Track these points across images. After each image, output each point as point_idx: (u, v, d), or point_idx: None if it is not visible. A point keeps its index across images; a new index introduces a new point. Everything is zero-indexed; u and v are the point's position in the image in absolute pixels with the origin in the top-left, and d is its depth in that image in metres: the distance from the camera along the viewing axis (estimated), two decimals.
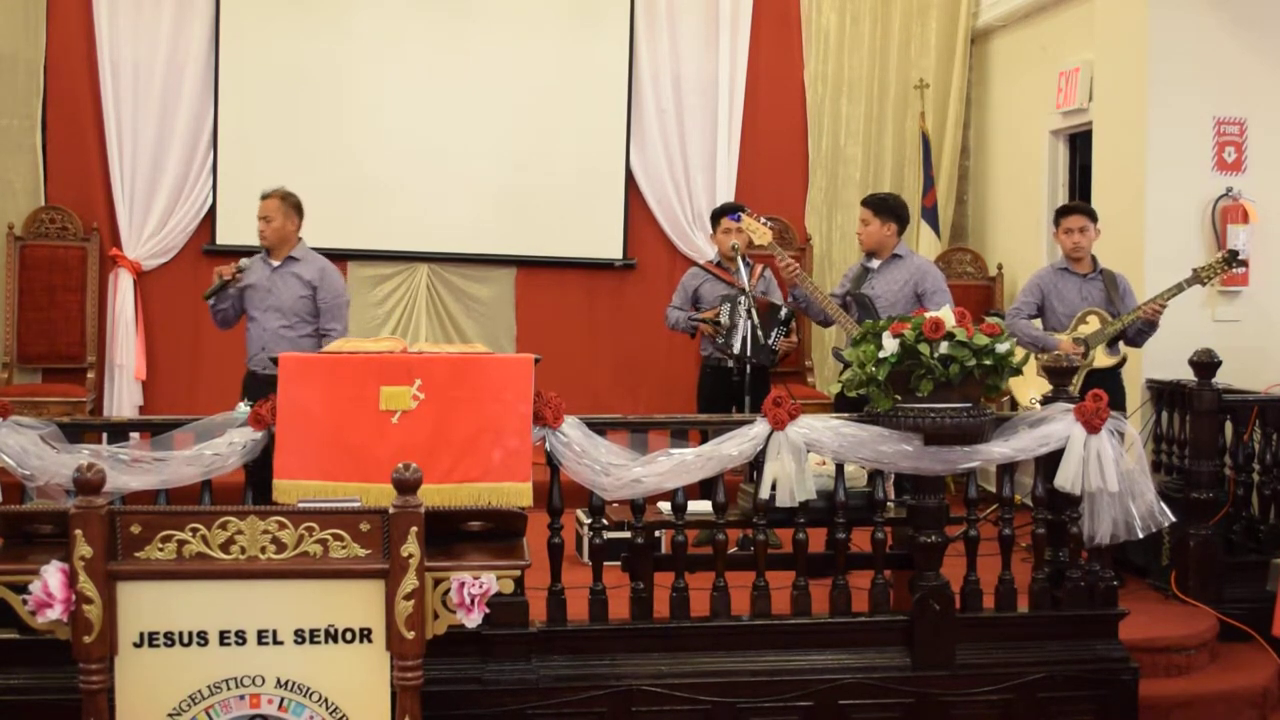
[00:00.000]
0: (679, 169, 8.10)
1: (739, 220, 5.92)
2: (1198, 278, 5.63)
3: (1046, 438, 4.31)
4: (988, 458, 4.29)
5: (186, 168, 7.67)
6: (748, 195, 7.76)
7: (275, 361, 4.08)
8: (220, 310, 5.68)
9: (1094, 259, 5.81)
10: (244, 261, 5.65)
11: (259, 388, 5.08)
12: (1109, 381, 5.57)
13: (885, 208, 5.85)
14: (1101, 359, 5.67)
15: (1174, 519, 4.48)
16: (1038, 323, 5.89)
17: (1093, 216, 5.77)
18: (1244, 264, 5.77)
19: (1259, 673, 5.01)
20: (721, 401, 6.02)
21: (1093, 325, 5.68)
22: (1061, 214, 5.90)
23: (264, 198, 5.66)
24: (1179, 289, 5.58)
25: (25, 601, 2.92)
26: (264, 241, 5.66)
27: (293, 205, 5.68)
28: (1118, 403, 5.56)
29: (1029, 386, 5.84)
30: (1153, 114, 6.11)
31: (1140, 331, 5.65)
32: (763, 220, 5.89)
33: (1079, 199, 7.28)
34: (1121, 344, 5.73)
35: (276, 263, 5.66)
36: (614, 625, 4.22)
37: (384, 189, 7.80)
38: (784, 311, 6.03)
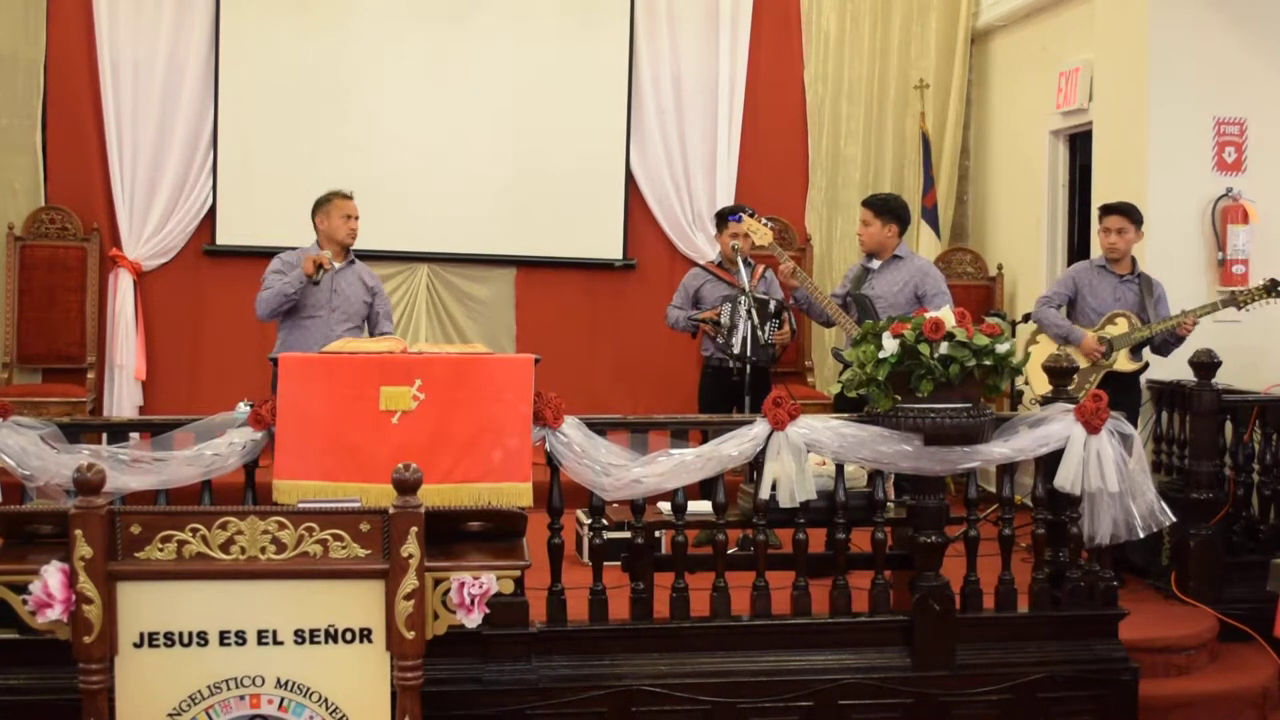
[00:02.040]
0: (679, 169, 8.10)
1: (739, 221, 5.92)
2: (1234, 300, 5.64)
3: (1046, 438, 4.31)
4: (988, 458, 4.29)
5: (186, 168, 7.67)
6: (748, 195, 7.76)
7: (274, 361, 4.08)
8: (293, 299, 5.53)
9: (1133, 261, 5.78)
10: (328, 253, 5.61)
11: None
12: (1127, 386, 5.56)
13: (886, 209, 5.84)
14: (1124, 363, 5.65)
15: (1174, 519, 4.48)
16: (1063, 314, 5.88)
17: (1134, 219, 5.69)
18: None
19: (1259, 673, 5.01)
20: (722, 401, 6.02)
21: (1121, 327, 5.65)
22: (1103, 212, 5.79)
23: (349, 196, 5.68)
24: (1214, 308, 5.58)
25: (25, 601, 2.91)
26: (350, 240, 5.69)
27: None
28: (1134, 408, 5.56)
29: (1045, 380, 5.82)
30: (1153, 114, 6.11)
31: (1166, 342, 5.63)
32: (764, 221, 5.89)
33: (1079, 199, 7.29)
34: (1146, 350, 5.72)
35: (338, 265, 5.67)
36: (614, 625, 4.22)
37: (384, 189, 7.77)
38: (773, 304, 6.02)
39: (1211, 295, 6.07)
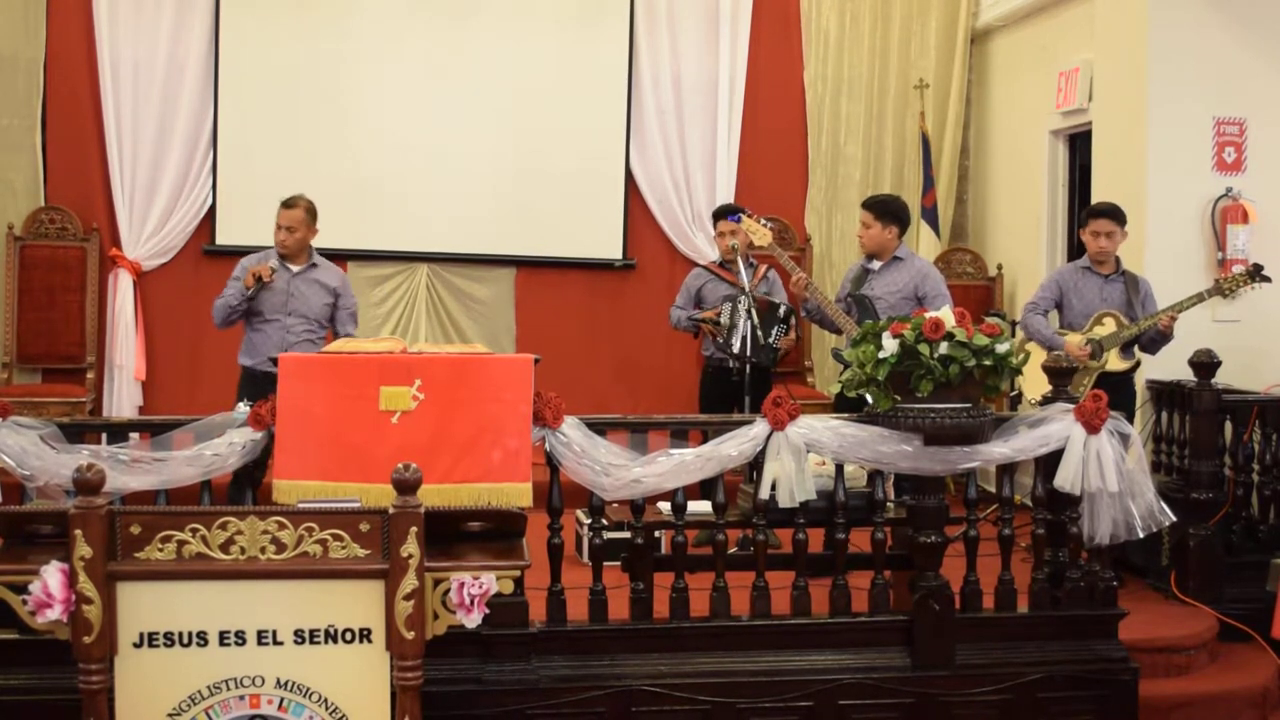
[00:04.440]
0: (679, 169, 8.10)
1: (739, 221, 5.91)
2: (1219, 289, 5.63)
3: (1046, 438, 4.31)
4: (988, 458, 4.29)
5: (186, 168, 7.68)
6: (748, 195, 7.76)
7: (274, 361, 4.08)
8: (240, 310, 5.65)
9: (1118, 260, 5.78)
10: (274, 263, 5.66)
11: (270, 387, 5.09)
12: (1121, 385, 5.55)
13: (887, 211, 5.83)
14: (1115, 362, 5.65)
15: (1174, 519, 4.48)
16: (1054, 317, 5.88)
17: (1121, 221, 5.69)
18: (1268, 279, 5.70)
19: (1259, 673, 5.01)
20: (722, 402, 6.02)
21: (1108, 327, 5.65)
22: (1090, 215, 5.78)
23: (287, 206, 5.66)
24: (1199, 298, 5.56)
25: (25, 601, 2.92)
26: (283, 250, 5.67)
27: (313, 215, 5.72)
28: (1129, 407, 5.55)
29: (1039, 383, 5.82)
30: (1153, 114, 6.11)
31: (1154, 340, 5.62)
32: (763, 221, 5.89)
33: (1079, 199, 7.29)
34: (1136, 348, 5.71)
35: (296, 268, 5.70)
36: (614, 625, 4.22)
37: (384, 189, 7.81)
38: (783, 309, 6.03)
39: None
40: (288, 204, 5.68)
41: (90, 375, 7.44)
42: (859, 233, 5.97)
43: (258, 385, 5.35)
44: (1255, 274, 5.65)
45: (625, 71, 8.00)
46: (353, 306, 5.85)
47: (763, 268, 6.31)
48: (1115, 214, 5.72)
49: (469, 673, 4.02)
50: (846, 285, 5.98)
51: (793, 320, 6.10)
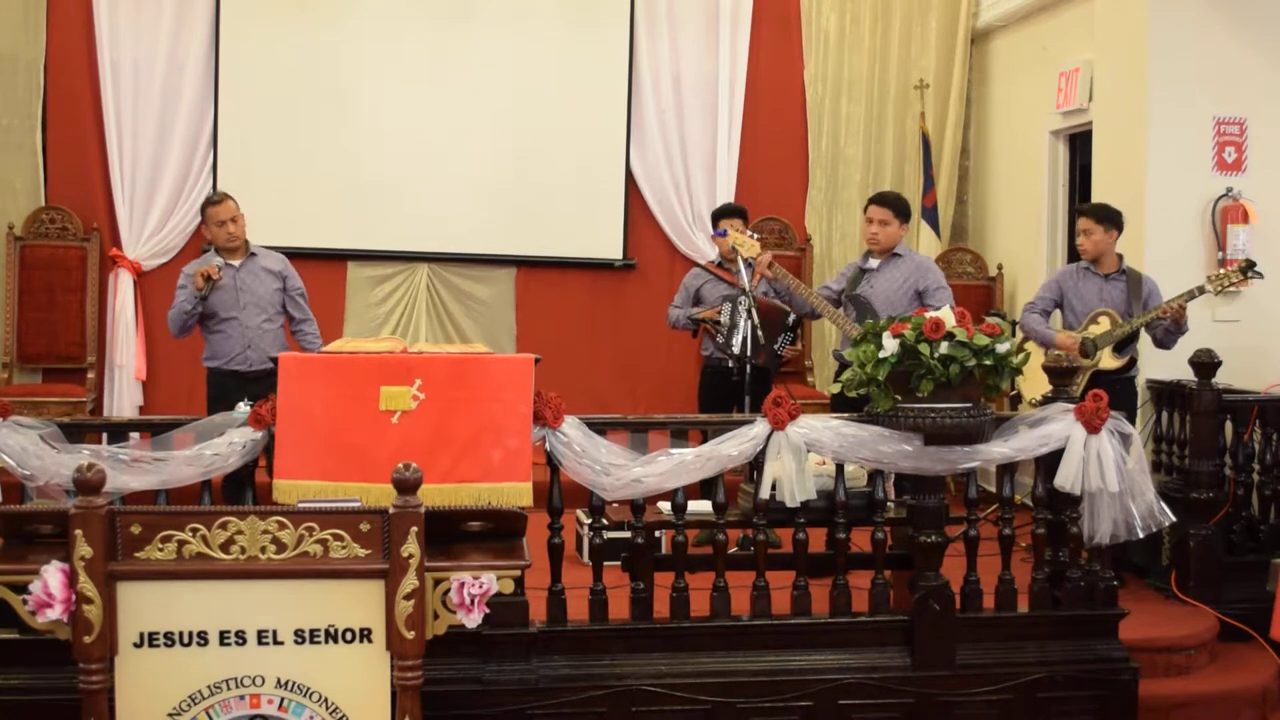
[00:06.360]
0: (679, 169, 8.10)
1: (725, 235, 5.88)
2: (1208, 285, 5.62)
3: (1046, 438, 4.31)
4: (988, 458, 4.29)
5: (186, 168, 7.68)
6: (748, 195, 7.77)
7: (274, 360, 4.08)
8: (195, 314, 5.62)
9: (1120, 258, 5.76)
10: (218, 260, 5.67)
11: (246, 386, 5.21)
12: (1119, 385, 5.52)
13: (905, 211, 5.82)
14: (1108, 361, 5.63)
15: (1174, 519, 4.48)
16: (1057, 317, 5.87)
17: (1099, 218, 5.67)
18: (1260, 275, 5.69)
19: (1259, 673, 5.01)
20: (722, 401, 6.02)
21: (1104, 326, 5.64)
22: (1076, 214, 5.83)
23: (217, 203, 5.67)
24: (1191, 295, 5.55)
25: (25, 601, 2.91)
26: (234, 243, 5.69)
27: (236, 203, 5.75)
28: (1130, 408, 5.54)
29: (1039, 383, 5.82)
30: (1153, 114, 6.11)
31: (1170, 332, 5.55)
32: (751, 234, 5.88)
33: (1079, 199, 7.29)
34: (1145, 348, 5.69)
35: (238, 262, 5.72)
36: (614, 625, 4.22)
37: (384, 189, 7.81)
38: (791, 318, 6.03)
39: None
40: (216, 201, 5.69)
41: (90, 375, 7.45)
42: (874, 231, 5.80)
43: (225, 386, 5.52)
44: (1247, 270, 5.63)
45: (625, 71, 8.00)
46: (301, 287, 5.85)
47: None
48: (1092, 212, 5.72)
49: (469, 673, 4.02)
50: (842, 282, 5.94)
51: (799, 330, 6.10)
